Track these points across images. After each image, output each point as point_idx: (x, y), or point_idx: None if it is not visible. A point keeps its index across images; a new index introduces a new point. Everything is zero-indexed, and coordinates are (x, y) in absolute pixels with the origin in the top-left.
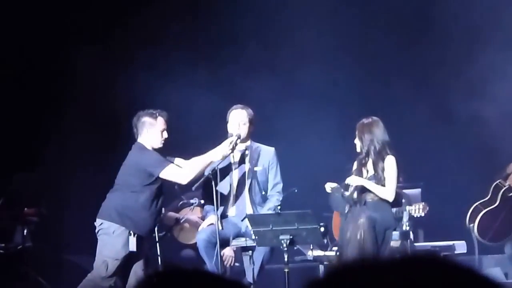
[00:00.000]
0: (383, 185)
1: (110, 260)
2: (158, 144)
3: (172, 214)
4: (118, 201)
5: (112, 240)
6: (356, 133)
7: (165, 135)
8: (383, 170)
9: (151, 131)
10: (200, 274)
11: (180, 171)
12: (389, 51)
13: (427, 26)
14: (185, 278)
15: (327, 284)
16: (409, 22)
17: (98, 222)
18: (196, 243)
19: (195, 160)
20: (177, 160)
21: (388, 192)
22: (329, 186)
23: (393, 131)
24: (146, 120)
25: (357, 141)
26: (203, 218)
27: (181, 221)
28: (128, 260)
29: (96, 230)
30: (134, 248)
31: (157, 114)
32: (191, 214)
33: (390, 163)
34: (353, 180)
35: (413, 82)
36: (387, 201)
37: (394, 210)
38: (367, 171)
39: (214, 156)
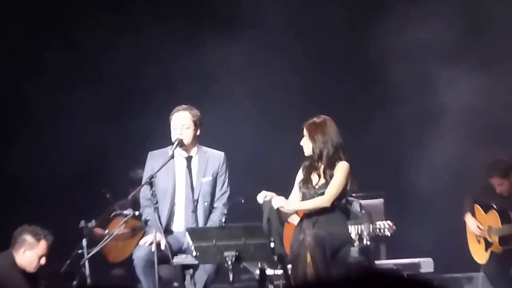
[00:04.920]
0: None
1: None
2: (32, 269)
3: (99, 230)
4: None
5: None
6: (305, 133)
7: (43, 261)
8: (331, 177)
9: (28, 253)
10: None
11: None
12: (343, 42)
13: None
14: None
15: None
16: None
17: None
18: (127, 261)
19: None
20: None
21: (324, 200)
22: (259, 197)
23: (351, 134)
24: (27, 238)
25: (305, 143)
26: (133, 231)
27: (110, 237)
28: None
29: None
30: None
31: (41, 237)
32: (121, 228)
33: (340, 168)
34: (276, 203)
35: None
36: (342, 213)
37: (358, 227)
38: (318, 178)
39: None
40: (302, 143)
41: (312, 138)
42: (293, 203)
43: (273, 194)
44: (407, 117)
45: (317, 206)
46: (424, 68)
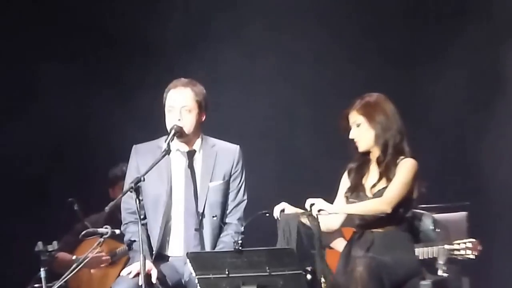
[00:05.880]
0: None
1: None
2: None
3: (64, 255)
4: None
5: None
6: (359, 120)
7: None
8: (393, 177)
9: None
10: None
11: None
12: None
13: None
14: None
15: None
16: None
17: None
18: None
19: None
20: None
21: (383, 201)
22: (279, 209)
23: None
24: None
25: (362, 134)
26: (112, 257)
27: (79, 265)
28: None
29: None
30: None
31: None
32: (95, 253)
33: (404, 165)
34: (319, 207)
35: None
36: (407, 232)
37: (430, 251)
38: (376, 181)
39: None
40: (354, 135)
41: (374, 123)
42: (338, 206)
43: (295, 209)
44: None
45: (373, 210)
46: None
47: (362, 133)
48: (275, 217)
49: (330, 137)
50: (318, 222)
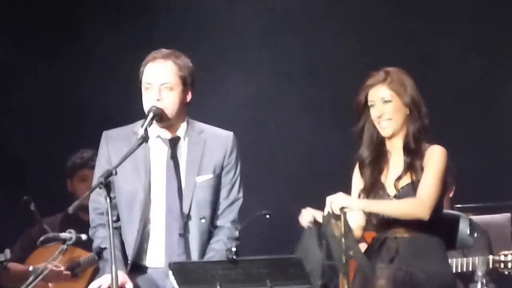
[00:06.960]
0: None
1: None
2: None
3: (17, 266)
4: None
5: None
6: (390, 94)
7: None
8: (422, 170)
9: None
10: None
11: None
12: None
13: None
14: None
15: None
16: None
17: None
18: None
19: None
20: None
21: (422, 202)
22: (307, 217)
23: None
24: None
25: (388, 112)
26: (76, 268)
27: (37, 277)
28: None
29: None
30: None
31: None
32: (56, 263)
33: (435, 154)
34: (340, 203)
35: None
36: (439, 238)
37: (467, 261)
38: (399, 177)
39: None
40: (382, 111)
41: (408, 99)
42: (364, 201)
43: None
44: None
45: (410, 214)
46: None
47: (393, 112)
48: (304, 224)
49: (339, 125)
50: (347, 223)
